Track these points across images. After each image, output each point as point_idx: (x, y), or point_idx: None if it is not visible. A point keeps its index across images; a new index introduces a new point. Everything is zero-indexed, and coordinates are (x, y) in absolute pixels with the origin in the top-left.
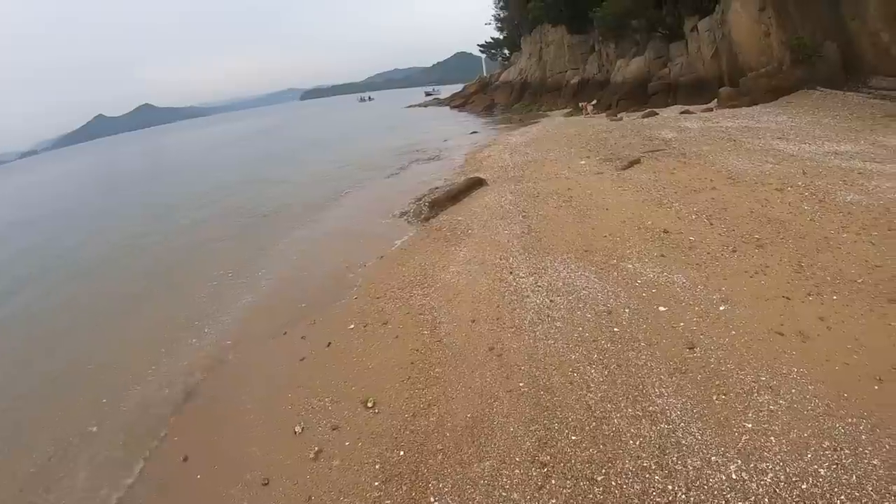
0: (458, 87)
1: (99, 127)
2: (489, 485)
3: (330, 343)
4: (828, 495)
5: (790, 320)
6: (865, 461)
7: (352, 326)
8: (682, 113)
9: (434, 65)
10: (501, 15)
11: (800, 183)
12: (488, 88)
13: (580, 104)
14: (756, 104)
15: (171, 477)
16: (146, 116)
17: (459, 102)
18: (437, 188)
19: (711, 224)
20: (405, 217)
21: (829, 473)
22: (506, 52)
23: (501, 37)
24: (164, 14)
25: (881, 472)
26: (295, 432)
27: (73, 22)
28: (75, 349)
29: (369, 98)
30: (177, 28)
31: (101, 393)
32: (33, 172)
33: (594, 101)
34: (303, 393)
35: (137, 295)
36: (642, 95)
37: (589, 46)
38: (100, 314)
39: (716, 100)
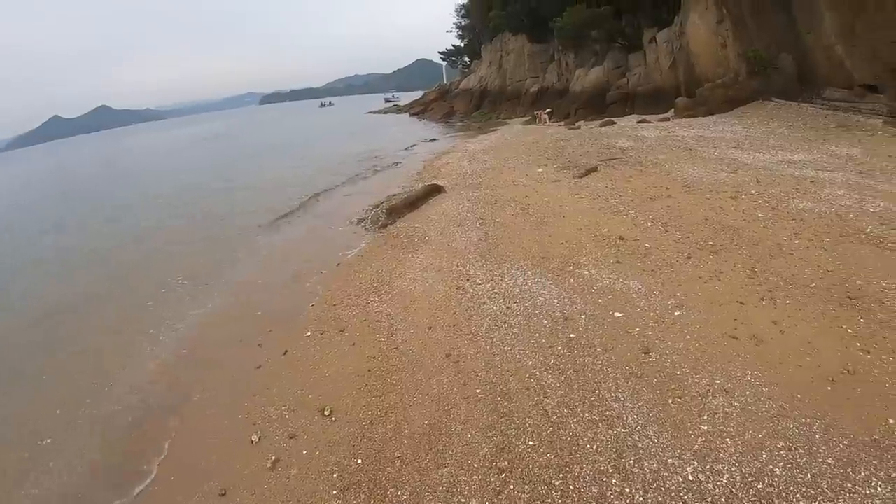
0: (418, 94)
1: (55, 128)
2: (448, 491)
3: (286, 351)
4: (784, 494)
5: (744, 324)
6: (820, 460)
7: (308, 334)
8: (639, 122)
9: (394, 71)
10: (463, 23)
11: (754, 191)
12: (448, 96)
13: (535, 112)
14: (712, 114)
15: (129, 490)
16: (103, 118)
17: (419, 109)
18: (394, 195)
19: (667, 231)
20: (363, 224)
21: (784, 473)
22: (466, 59)
23: (462, 44)
24: (122, 15)
25: (835, 470)
26: (252, 441)
27: (29, 20)
28: (27, 358)
29: (329, 103)
30: (135, 30)
31: (56, 404)
32: None
33: (549, 110)
34: (259, 401)
35: (99, 297)
36: (600, 105)
37: (549, 55)
38: (58, 320)
39: (672, 110)
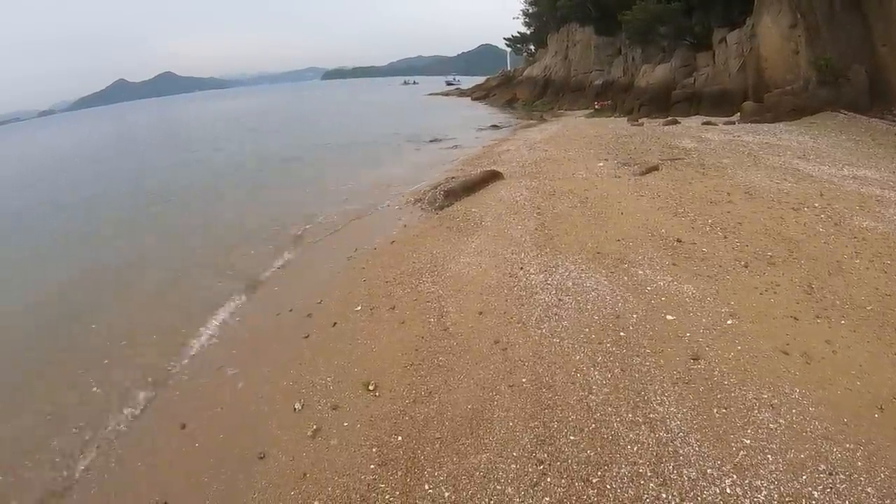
0: (480, 79)
1: (120, 91)
2: (484, 477)
3: (336, 323)
4: None
5: (796, 340)
6: (860, 488)
7: (358, 308)
8: (704, 123)
9: (458, 55)
10: (530, 10)
11: (816, 204)
12: (511, 83)
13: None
14: (779, 121)
15: (169, 443)
16: (167, 84)
17: (481, 94)
18: (453, 178)
19: (725, 237)
20: (420, 204)
21: (822, 497)
22: (531, 47)
23: (529, 32)
24: None
25: (874, 500)
26: (294, 409)
27: None
28: (116, 282)
29: (413, 82)
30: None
31: (106, 340)
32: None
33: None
34: (305, 370)
35: (172, 241)
36: (665, 102)
37: (615, 49)
38: (132, 260)
39: (738, 113)
